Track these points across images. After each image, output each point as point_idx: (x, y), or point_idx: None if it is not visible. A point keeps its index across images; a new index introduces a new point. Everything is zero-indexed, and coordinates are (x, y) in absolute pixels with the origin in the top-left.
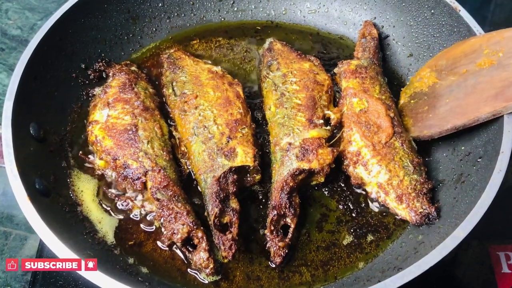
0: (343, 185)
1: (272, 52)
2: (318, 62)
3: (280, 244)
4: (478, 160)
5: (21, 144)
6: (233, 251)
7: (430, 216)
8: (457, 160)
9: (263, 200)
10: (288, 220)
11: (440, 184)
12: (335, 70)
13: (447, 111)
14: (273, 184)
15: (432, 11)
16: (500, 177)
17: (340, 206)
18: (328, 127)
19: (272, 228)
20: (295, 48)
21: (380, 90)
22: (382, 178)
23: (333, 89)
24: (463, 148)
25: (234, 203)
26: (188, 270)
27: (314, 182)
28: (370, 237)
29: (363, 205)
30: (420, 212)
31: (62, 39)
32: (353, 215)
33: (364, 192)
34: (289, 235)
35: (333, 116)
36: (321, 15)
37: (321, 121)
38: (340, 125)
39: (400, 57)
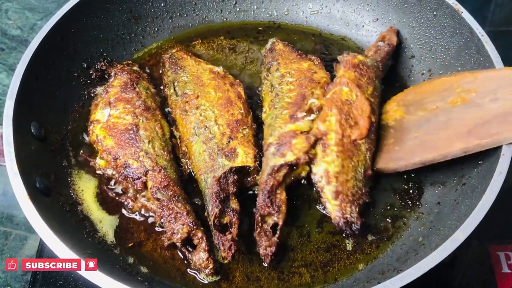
0: None
1: (273, 52)
2: (319, 61)
3: (266, 243)
4: (479, 162)
5: (22, 143)
6: (233, 251)
7: (354, 225)
8: (458, 162)
9: None
10: (275, 218)
11: (441, 186)
12: (339, 57)
13: (416, 145)
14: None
15: (435, 12)
16: (500, 179)
17: None
18: (311, 117)
19: (259, 230)
20: (297, 48)
21: (373, 93)
22: (332, 167)
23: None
24: None
25: (234, 204)
26: (188, 270)
27: (303, 174)
28: (370, 239)
29: (363, 208)
30: (346, 217)
31: (64, 38)
32: None
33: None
34: (277, 233)
35: (316, 102)
36: (324, 16)
37: (304, 113)
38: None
39: (402, 59)
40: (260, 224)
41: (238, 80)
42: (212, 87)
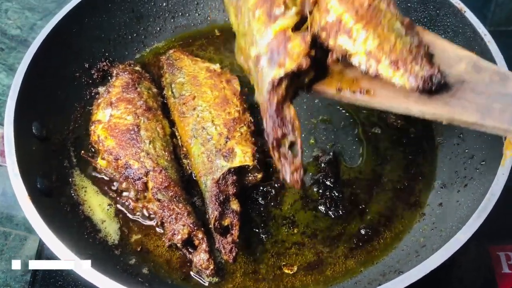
0: (344, 188)
1: None
2: None
3: (291, 168)
4: (482, 163)
5: (23, 143)
6: (234, 254)
7: (434, 77)
8: (460, 163)
9: (265, 200)
10: (291, 137)
11: (443, 187)
12: None
13: None
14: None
15: (437, 11)
16: (502, 181)
17: (341, 210)
18: (292, 11)
19: (277, 155)
20: None
21: None
22: (370, 45)
23: None
24: (466, 151)
25: (234, 205)
26: (189, 271)
27: (307, 80)
28: (371, 241)
29: (365, 209)
30: (422, 76)
31: (66, 37)
32: (354, 218)
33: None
34: (299, 154)
35: None
36: None
37: (282, 8)
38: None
39: None
40: (277, 149)
41: (234, 75)
42: (208, 86)
